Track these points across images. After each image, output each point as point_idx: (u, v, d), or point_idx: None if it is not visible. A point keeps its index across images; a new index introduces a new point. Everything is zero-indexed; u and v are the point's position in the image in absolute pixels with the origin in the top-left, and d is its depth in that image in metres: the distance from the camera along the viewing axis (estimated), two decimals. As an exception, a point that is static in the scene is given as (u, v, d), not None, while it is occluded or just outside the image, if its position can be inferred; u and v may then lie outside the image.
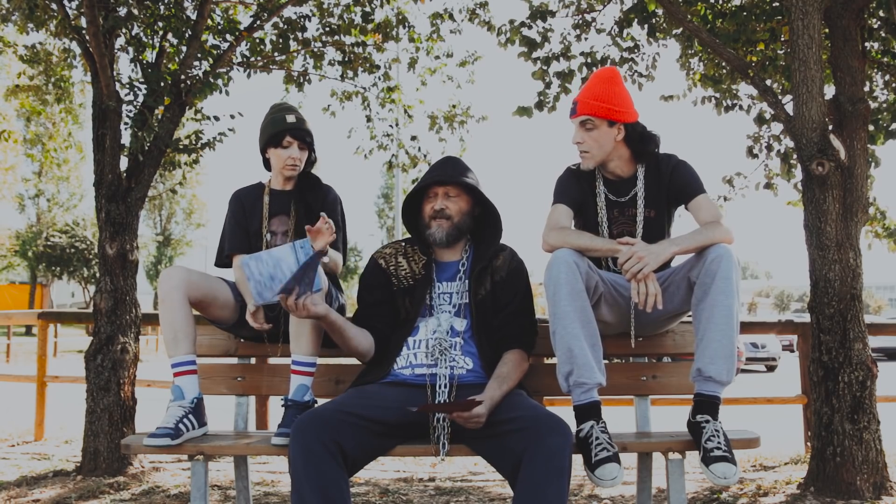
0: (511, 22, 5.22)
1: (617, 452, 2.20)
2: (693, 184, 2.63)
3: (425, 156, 6.35)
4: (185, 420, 2.36)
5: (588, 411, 2.31)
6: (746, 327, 5.99)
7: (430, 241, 2.49)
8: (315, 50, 5.45)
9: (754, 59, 5.16)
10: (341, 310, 2.72)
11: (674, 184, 2.65)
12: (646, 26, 5.12)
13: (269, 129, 2.88)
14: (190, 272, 2.55)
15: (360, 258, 34.14)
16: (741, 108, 5.75)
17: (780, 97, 4.00)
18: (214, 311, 2.67)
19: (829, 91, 4.02)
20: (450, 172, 2.47)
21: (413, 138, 6.37)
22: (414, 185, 2.57)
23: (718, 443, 2.20)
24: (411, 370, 2.38)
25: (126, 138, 4.30)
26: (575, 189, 2.68)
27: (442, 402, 2.30)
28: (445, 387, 2.33)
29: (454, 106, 6.37)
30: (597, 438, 2.23)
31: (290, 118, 2.86)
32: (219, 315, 2.69)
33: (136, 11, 4.32)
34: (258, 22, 4.81)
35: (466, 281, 2.48)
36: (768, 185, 6.05)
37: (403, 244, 2.59)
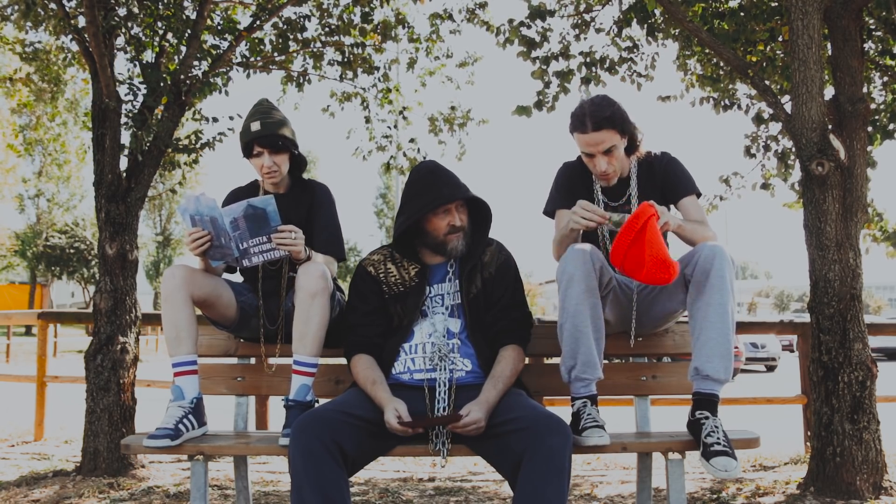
0: (510, 21, 5.22)
1: (604, 426, 2.29)
2: (685, 183, 2.67)
3: (423, 158, 6.34)
4: (184, 420, 2.36)
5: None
6: (746, 327, 6.01)
7: (451, 255, 2.45)
8: (314, 50, 5.45)
9: (753, 59, 5.16)
10: (343, 311, 2.71)
11: (667, 180, 2.69)
12: (645, 26, 5.12)
13: (241, 141, 2.81)
14: (194, 271, 2.51)
15: (360, 257, 34.08)
16: (739, 107, 5.75)
17: (779, 97, 4.00)
18: (218, 311, 2.64)
19: (829, 91, 4.02)
20: (455, 187, 2.39)
21: (412, 140, 6.36)
22: (419, 204, 2.39)
23: (718, 438, 2.22)
24: (410, 375, 2.38)
25: (126, 138, 4.30)
26: (572, 191, 2.71)
27: (442, 408, 2.30)
28: (445, 390, 2.32)
29: (454, 108, 6.36)
30: (588, 413, 2.32)
31: (255, 126, 2.75)
32: (222, 314, 2.66)
33: (135, 11, 4.32)
34: (258, 22, 4.81)
35: (457, 281, 2.47)
36: (765, 186, 6.05)
37: (391, 250, 2.55)
